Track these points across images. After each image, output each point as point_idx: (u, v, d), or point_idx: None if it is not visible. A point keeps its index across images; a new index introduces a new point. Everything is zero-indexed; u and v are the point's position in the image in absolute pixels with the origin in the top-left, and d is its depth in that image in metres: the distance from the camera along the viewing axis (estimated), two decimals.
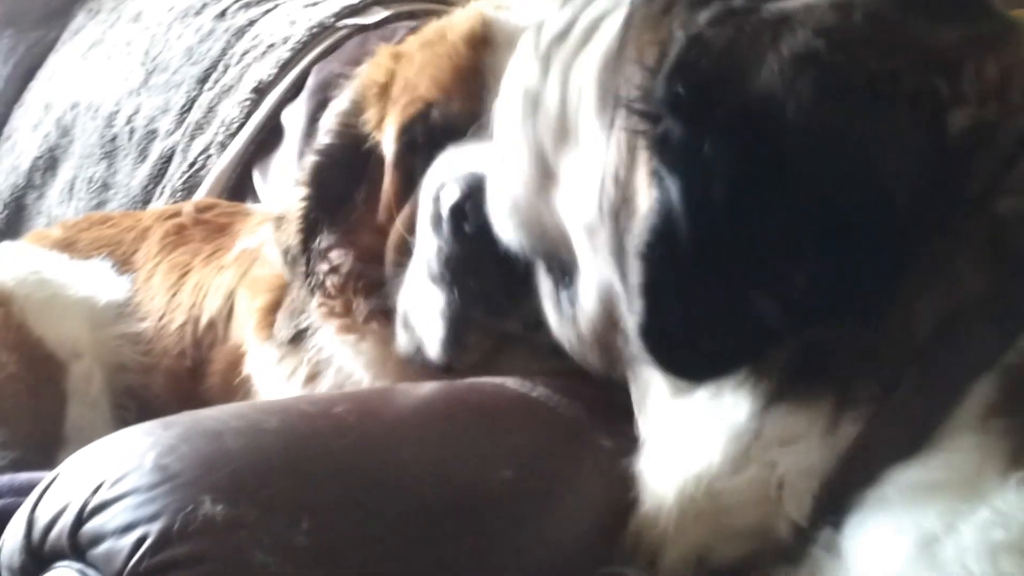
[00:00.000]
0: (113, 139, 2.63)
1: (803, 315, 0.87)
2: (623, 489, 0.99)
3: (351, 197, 1.46)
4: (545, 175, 1.11)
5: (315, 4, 2.50)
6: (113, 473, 0.95)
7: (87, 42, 2.86)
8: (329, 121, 1.51)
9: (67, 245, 1.96)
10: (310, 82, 2.38)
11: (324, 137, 1.50)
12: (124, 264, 1.91)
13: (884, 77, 0.87)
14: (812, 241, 0.85)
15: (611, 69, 1.04)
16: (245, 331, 1.64)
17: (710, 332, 0.89)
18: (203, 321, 1.75)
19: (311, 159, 1.50)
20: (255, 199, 2.34)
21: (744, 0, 0.93)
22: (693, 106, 0.88)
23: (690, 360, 0.92)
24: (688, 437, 0.96)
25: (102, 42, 2.82)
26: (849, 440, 0.89)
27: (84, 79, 2.78)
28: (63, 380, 1.78)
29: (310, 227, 1.46)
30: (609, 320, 1.07)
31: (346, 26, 2.41)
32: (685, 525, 0.95)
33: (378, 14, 2.41)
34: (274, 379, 1.55)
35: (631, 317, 0.93)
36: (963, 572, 0.81)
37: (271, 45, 2.48)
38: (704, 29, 0.91)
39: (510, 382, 1.16)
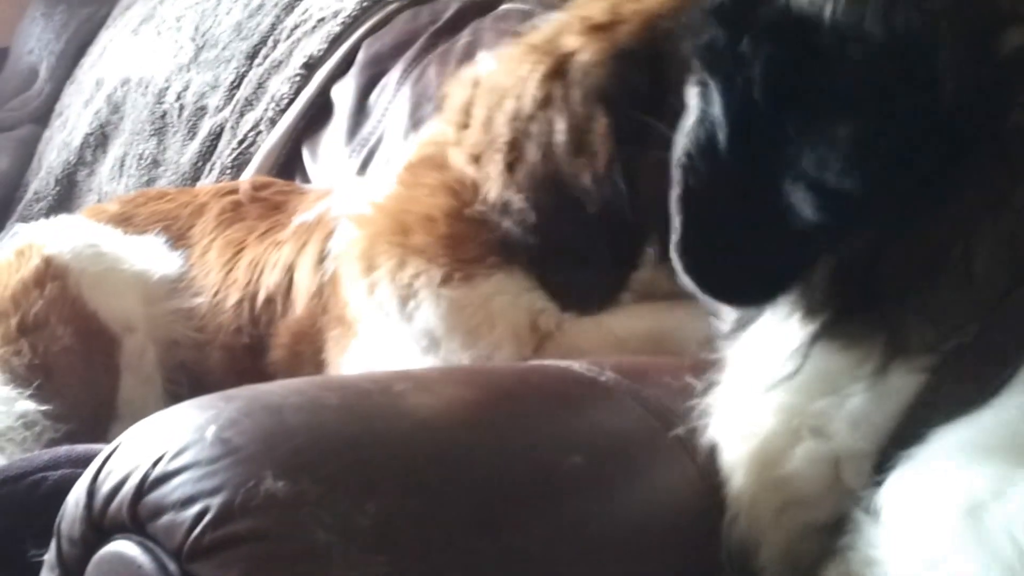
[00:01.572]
0: (163, 116, 2.63)
1: (839, 211, 0.84)
2: (697, 479, 0.96)
3: None
4: None
5: None
6: (174, 445, 0.94)
7: (137, 18, 2.87)
8: None
9: (123, 220, 1.96)
10: (360, 57, 2.36)
11: None
12: (179, 239, 1.90)
13: None
14: (845, 127, 0.82)
15: None
16: (347, 266, 1.55)
17: (750, 244, 0.87)
18: (261, 298, 1.73)
19: None
20: (304, 176, 2.33)
21: None
22: (733, 12, 0.88)
23: (731, 280, 0.90)
24: (747, 377, 0.94)
25: (152, 18, 2.82)
26: (909, 393, 0.84)
27: (134, 55, 2.78)
28: (116, 354, 1.79)
29: None
30: None
31: (397, 0, 2.39)
32: (766, 520, 0.92)
33: None
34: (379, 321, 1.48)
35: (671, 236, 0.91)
36: (1009, 544, 0.74)
37: (321, 19, 2.46)
38: None
39: (577, 366, 1.12)
